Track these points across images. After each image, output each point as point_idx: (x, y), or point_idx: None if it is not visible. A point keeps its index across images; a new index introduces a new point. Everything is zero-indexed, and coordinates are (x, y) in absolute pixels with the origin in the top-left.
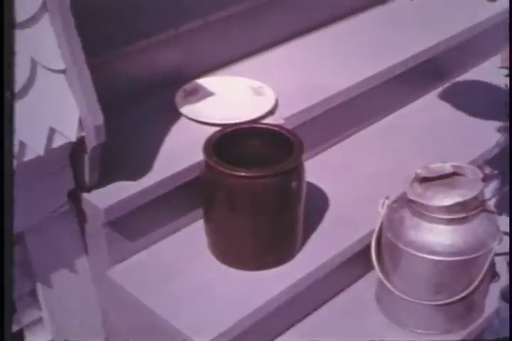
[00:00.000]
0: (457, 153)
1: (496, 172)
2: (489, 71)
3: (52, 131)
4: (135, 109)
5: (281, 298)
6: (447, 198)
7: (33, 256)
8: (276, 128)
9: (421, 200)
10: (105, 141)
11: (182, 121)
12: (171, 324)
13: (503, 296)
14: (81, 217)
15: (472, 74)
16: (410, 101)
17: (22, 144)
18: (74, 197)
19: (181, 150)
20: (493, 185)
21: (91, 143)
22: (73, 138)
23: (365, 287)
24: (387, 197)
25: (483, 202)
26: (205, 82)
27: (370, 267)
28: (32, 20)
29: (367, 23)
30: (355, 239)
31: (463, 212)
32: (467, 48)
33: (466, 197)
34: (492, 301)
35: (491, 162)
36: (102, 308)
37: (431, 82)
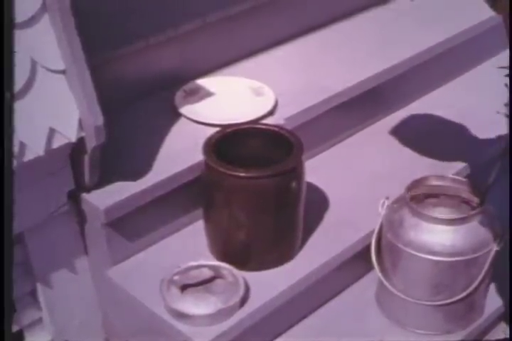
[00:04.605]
0: (457, 154)
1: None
2: (489, 71)
3: (52, 132)
4: (135, 109)
5: (281, 298)
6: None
7: (33, 256)
8: (276, 129)
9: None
10: (105, 141)
11: (182, 121)
12: (171, 324)
13: None
14: (81, 217)
15: (472, 74)
16: (410, 101)
17: (22, 144)
18: (74, 197)
19: (181, 150)
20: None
21: (91, 143)
22: (73, 138)
23: (365, 287)
24: (387, 198)
25: (483, 202)
26: (204, 82)
27: (370, 267)
28: (32, 20)
29: (367, 23)
30: (355, 239)
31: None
32: (467, 48)
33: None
34: (492, 301)
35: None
36: (102, 308)
37: (432, 82)
